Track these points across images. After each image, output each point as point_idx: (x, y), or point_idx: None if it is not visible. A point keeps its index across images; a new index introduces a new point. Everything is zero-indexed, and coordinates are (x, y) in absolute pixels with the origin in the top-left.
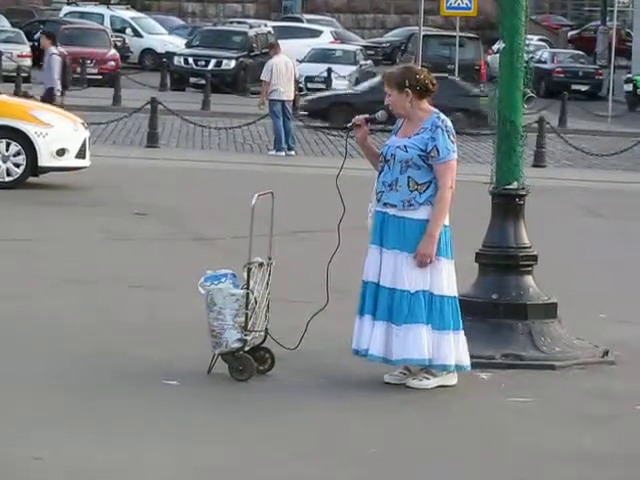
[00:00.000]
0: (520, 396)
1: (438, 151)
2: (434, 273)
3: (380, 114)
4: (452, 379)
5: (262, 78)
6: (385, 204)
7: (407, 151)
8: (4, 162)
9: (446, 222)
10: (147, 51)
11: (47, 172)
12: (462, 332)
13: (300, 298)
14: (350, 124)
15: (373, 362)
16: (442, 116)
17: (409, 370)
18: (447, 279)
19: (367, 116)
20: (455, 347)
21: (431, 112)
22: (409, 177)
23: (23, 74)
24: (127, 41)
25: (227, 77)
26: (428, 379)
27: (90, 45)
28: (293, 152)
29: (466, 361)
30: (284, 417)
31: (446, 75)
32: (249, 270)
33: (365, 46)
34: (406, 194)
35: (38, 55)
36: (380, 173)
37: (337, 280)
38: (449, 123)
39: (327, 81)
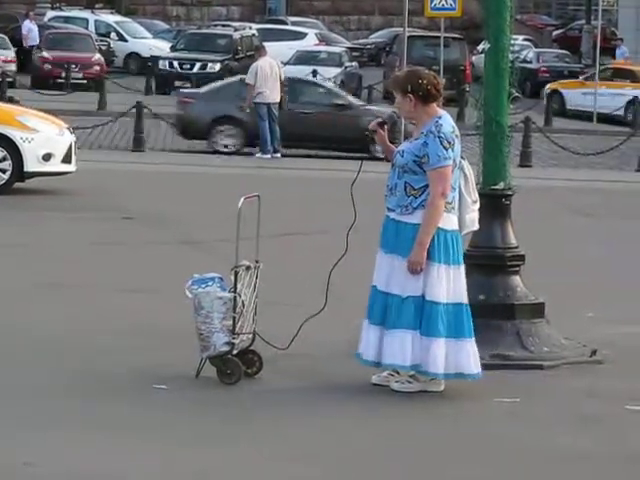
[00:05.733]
0: (508, 396)
1: (428, 157)
2: (426, 279)
3: (388, 117)
4: (438, 385)
5: (247, 81)
6: (388, 208)
7: (403, 156)
8: None
9: (449, 227)
10: (132, 55)
11: (33, 177)
12: (462, 341)
13: (288, 301)
14: (367, 132)
15: (366, 366)
16: (441, 120)
17: (398, 372)
18: (441, 285)
19: (379, 120)
20: (463, 355)
21: (434, 116)
22: (406, 182)
23: (8, 79)
24: (112, 45)
25: (212, 80)
26: (411, 383)
27: (75, 50)
28: (279, 154)
29: (476, 368)
30: (272, 420)
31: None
32: (236, 273)
33: (350, 48)
34: (403, 199)
35: (23, 60)
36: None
37: (330, 284)
38: (445, 129)
39: None
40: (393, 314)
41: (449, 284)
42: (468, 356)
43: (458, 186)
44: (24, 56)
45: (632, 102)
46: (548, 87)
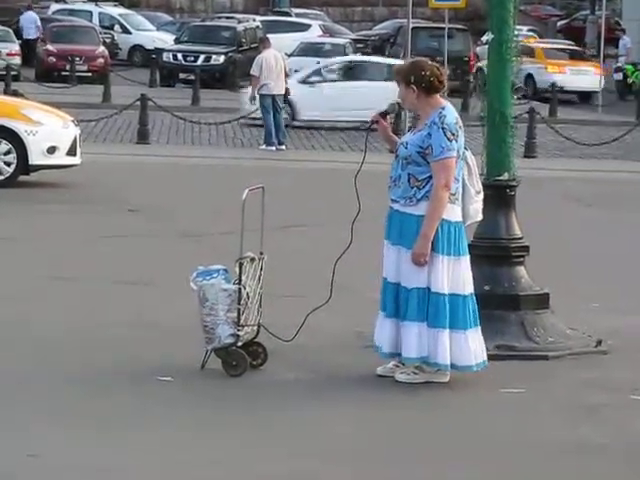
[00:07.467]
0: (514, 387)
1: (432, 149)
2: (431, 270)
3: (390, 107)
4: (443, 377)
5: (251, 73)
6: (392, 200)
7: (407, 148)
8: None
9: (453, 218)
10: (136, 48)
11: (38, 170)
12: (466, 332)
13: (292, 293)
14: (369, 123)
15: (384, 358)
16: (445, 111)
17: (403, 363)
18: (446, 276)
19: (382, 111)
20: (454, 346)
21: (437, 107)
22: (409, 174)
23: (12, 72)
24: (116, 38)
25: (216, 72)
26: (416, 374)
27: (79, 42)
28: (283, 146)
29: (467, 361)
30: (278, 412)
31: None
32: (241, 265)
33: (354, 39)
34: (407, 190)
35: (27, 53)
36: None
37: (335, 275)
38: (449, 120)
39: None
40: (403, 306)
41: (449, 275)
42: (459, 348)
43: (461, 177)
44: (28, 49)
45: (528, 77)
46: (476, 65)
